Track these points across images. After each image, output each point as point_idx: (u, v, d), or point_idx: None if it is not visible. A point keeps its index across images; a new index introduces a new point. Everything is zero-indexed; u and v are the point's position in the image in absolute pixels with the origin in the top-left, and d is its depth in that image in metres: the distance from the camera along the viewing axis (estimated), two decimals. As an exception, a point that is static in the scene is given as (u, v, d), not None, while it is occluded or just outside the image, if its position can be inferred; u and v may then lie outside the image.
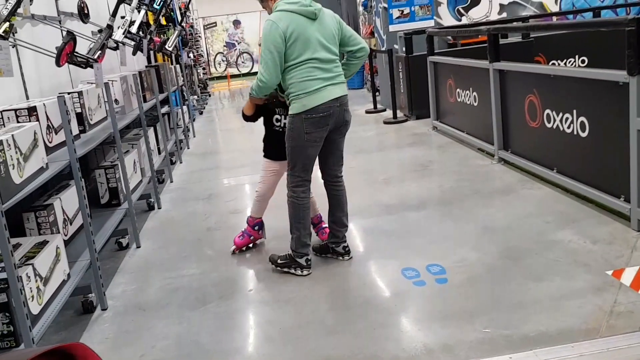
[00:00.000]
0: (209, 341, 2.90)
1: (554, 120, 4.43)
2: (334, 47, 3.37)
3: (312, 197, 3.76)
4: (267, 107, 3.74)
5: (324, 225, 3.93)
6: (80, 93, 4.10)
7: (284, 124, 3.59)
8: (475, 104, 6.03)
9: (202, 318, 3.16)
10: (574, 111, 4.15)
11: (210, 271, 3.78)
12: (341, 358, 2.60)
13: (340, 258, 3.65)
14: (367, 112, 9.79)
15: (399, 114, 8.74)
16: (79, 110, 4.07)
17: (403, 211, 4.49)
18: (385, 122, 8.56)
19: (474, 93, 6.04)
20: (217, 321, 3.10)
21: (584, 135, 4.07)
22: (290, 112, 3.36)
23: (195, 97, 12.37)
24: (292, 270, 3.51)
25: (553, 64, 7.26)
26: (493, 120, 5.43)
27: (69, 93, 4.01)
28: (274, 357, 2.69)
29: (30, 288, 2.52)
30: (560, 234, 3.64)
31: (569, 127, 4.24)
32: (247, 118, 3.78)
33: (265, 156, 3.84)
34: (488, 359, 2.43)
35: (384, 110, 9.61)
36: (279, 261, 3.58)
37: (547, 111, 4.53)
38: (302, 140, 3.33)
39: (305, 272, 3.49)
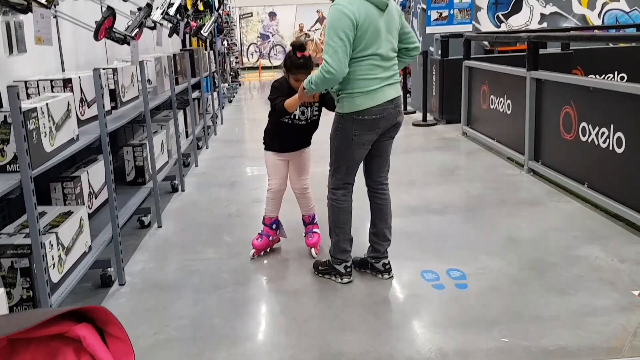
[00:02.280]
0: (222, 325, 2.89)
1: (590, 134, 4.33)
2: (396, 43, 3.08)
3: (308, 192, 3.73)
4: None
5: (314, 230, 3.77)
6: (115, 70, 4.13)
7: (311, 116, 3.49)
8: (509, 112, 5.93)
9: (217, 302, 3.16)
10: (611, 126, 4.05)
11: (227, 257, 3.78)
12: (353, 355, 2.57)
13: (380, 276, 3.31)
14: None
15: (429, 117, 8.66)
16: (112, 86, 4.10)
17: (426, 214, 4.43)
18: (414, 125, 8.48)
19: (508, 101, 5.94)
20: (231, 307, 3.09)
21: (619, 151, 3.96)
22: (338, 110, 3.09)
23: (226, 85, 12.42)
24: (332, 278, 3.29)
25: (591, 78, 7.12)
26: (526, 130, 5.33)
27: (104, 69, 4.04)
28: (286, 347, 2.67)
29: (52, 256, 2.54)
30: (586, 250, 3.55)
31: (604, 142, 4.14)
32: (283, 113, 3.39)
33: (267, 149, 3.66)
34: (504, 368, 2.38)
35: (414, 112, 9.52)
36: (319, 267, 3.37)
37: (583, 124, 4.43)
38: (349, 142, 3.05)
39: (345, 280, 3.25)
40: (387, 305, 3.01)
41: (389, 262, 3.34)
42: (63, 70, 4.09)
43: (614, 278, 3.16)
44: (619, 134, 3.96)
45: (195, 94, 7.32)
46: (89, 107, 3.52)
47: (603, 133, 4.15)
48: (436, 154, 6.63)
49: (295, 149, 3.64)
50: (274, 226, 3.76)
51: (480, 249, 3.67)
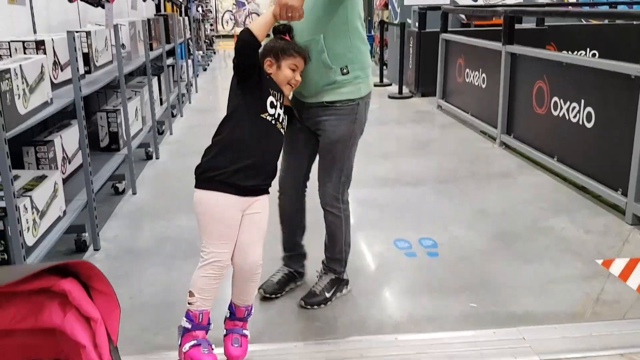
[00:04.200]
0: (198, 290, 2.92)
1: (561, 109, 4.43)
2: None
3: (259, 272, 2.38)
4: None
5: (244, 331, 2.41)
6: (88, 33, 4.04)
7: (282, 115, 2.30)
8: (484, 86, 6.00)
9: (191, 268, 3.14)
10: (582, 101, 4.14)
11: (204, 224, 3.79)
12: (326, 318, 2.63)
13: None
14: (373, 85, 9.72)
15: (405, 89, 8.69)
16: (85, 50, 4.02)
17: (399, 186, 4.49)
18: (389, 97, 8.50)
19: (483, 75, 6.00)
20: (207, 272, 3.11)
21: (589, 125, 4.06)
22: (351, 96, 2.47)
23: (201, 52, 12.23)
24: (339, 293, 2.79)
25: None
26: (499, 104, 5.41)
27: (77, 32, 3.96)
28: (259, 311, 2.71)
29: (27, 219, 2.52)
30: (553, 221, 3.66)
31: (575, 117, 4.24)
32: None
33: (210, 187, 2.21)
34: (472, 331, 2.47)
35: (390, 84, 9.54)
36: (326, 295, 2.71)
37: (555, 99, 4.51)
38: (361, 132, 2.63)
39: (349, 287, 2.85)
40: (361, 273, 3.07)
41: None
42: (35, 32, 3.99)
43: (579, 248, 3.27)
44: (589, 109, 4.06)
45: (170, 61, 7.21)
46: (62, 70, 3.46)
47: (574, 108, 4.24)
48: (410, 126, 6.69)
49: (260, 189, 2.28)
50: (210, 326, 2.33)
51: (452, 220, 3.75)
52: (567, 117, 4.34)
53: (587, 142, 4.09)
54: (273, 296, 2.79)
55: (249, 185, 2.20)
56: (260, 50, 2.24)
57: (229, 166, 2.18)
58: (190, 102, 8.24)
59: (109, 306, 1.00)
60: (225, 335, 2.36)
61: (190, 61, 8.88)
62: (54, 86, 3.31)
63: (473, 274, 3.03)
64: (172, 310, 2.72)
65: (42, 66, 2.82)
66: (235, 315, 2.37)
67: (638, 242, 3.33)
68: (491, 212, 3.87)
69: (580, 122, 4.16)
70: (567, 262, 3.11)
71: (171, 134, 6.32)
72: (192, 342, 2.22)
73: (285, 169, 2.71)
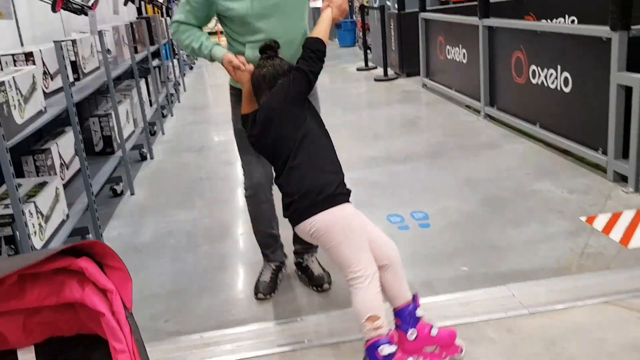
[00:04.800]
0: (202, 278, 3.05)
1: (539, 76, 4.55)
2: None
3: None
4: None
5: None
6: (74, 41, 4.14)
7: None
8: (465, 61, 6.11)
9: (195, 258, 3.32)
10: (558, 67, 4.26)
11: (202, 217, 3.92)
12: (325, 294, 2.76)
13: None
14: (358, 69, 9.83)
15: (390, 71, 8.80)
16: (73, 58, 4.12)
17: (390, 164, 4.62)
18: (376, 80, 8.62)
19: (464, 50, 6.11)
20: (209, 261, 3.25)
21: (567, 90, 4.19)
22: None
23: (186, 52, 12.29)
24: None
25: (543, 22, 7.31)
26: (481, 77, 5.53)
27: (63, 41, 4.05)
28: (258, 304, 2.84)
29: (33, 224, 2.64)
30: (538, 185, 3.80)
31: (552, 83, 4.36)
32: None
33: (346, 200, 2.17)
34: (464, 292, 2.60)
35: (375, 67, 9.64)
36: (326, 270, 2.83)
37: (533, 67, 4.64)
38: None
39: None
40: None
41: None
42: (22, 44, 4.09)
43: (563, 208, 3.41)
44: (566, 74, 4.18)
45: (156, 62, 7.30)
46: (52, 79, 3.56)
47: (551, 74, 4.37)
48: (398, 107, 6.81)
49: None
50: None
51: (441, 192, 3.88)
52: (545, 84, 4.46)
53: (566, 106, 4.22)
54: (269, 296, 2.77)
55: None
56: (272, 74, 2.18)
57: (339, 175, 2.20)
58: (179, 101, 8.34)
59: (122, 279, 1.12)
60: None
61: (175, 61, 8.96)
62: (46, 95, 3.41)
63: (463, 240, 3.16)
64: (180, 298, 2.86)
65: (34, 76, 2.93)
66: (408, 318, 2.14)
67: (619, 197, 3.47)
68: (479, 181, 4.00)
69: (559, 88, 4.28)
70: (553, 222, 3.25)
71: (163, 133, 6.43)
72: None
73: (259, 169, 2.66)
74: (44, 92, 3.35)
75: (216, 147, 5.77)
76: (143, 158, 5.43)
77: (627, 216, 3.20)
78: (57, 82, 3.55)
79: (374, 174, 4.40)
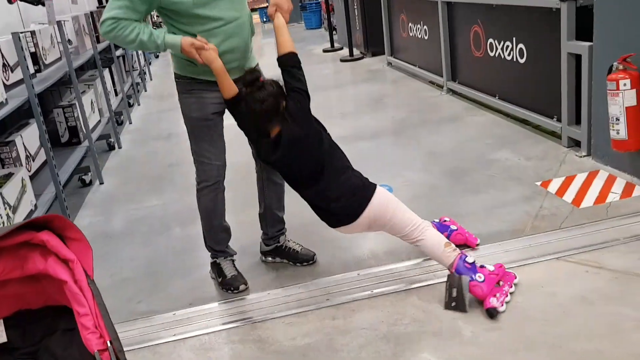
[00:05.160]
0: (174, 260, 3.12)
1: (496, 49, 4.67)
2: None
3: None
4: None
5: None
6: (33, 32, 4.12)
7: None
8: (426, 38, 6.21)
9: (166, 242, 3.38)
10: (514, 39, 4.38)
11: (172, 202, 3.97)
12: (295, 267, 2.86)
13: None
14: (325, 50, 9.87)
15: (355, 51, 8.87)
16: (33, 49, 4.11)
17: (357, 141, 4.71)
18: (342, 60, 8.68)
19: (425, 27, 6.21)
20: (180, 243, 3.31)
21: (522, 61, 4.32)
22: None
23: (151, 40, 12.16)
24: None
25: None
26: (442, 52, 5.63)
27: (21, 32, 4.03)
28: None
29: (0, 215, 2.67)
30: (498, 154, 3.93)
31: (509, 55, 4.49)
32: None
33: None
34: (424, 258, 2.72)
35: (341, 48, 9.70)
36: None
37: (490, 40, 4.75)
38: None
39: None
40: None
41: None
42: (-22, 37, 4.05)
43: (520, 174, 3.55)
44: (521, 45, 4.30)
45: (120, 52, 7.26)
46: (12, 71, 3.55)
47: (507, 46, 4.49)
48: (364, 86, 6.90)
49: None
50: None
51: (405, 165, 3.99)
52: (502, 56, 4.58)
53: (523, 77, 4.35)
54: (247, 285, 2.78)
55: None
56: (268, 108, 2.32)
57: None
58: (146, 90, 8.31)
59: (82, 249, 1.19)
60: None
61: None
62: (7, 87, 3.42)
63: (426, 209, 3.26)
64: (152, 280, 2.93)
65: (-8, 68, 2.94)
66: (467, 269, 2.34)
67: (573, 162, 3.62)
68: (441, 153, 4.12)
69: (515, 59, 4.41)
70: (511, 188, 3.38)
71: (131, 122, 6.43)
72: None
73: (222, 157, 2.68)
74: (4, 84, 3.36)
75: (184, 133, 5.75)
76: (111, 148, 5.44)
77: (579, 179, 3.34)
78: (18, 74, 3.55)
79: (340, 152, 4.48)
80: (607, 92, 3.10)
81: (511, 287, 2.36)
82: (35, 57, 4.11)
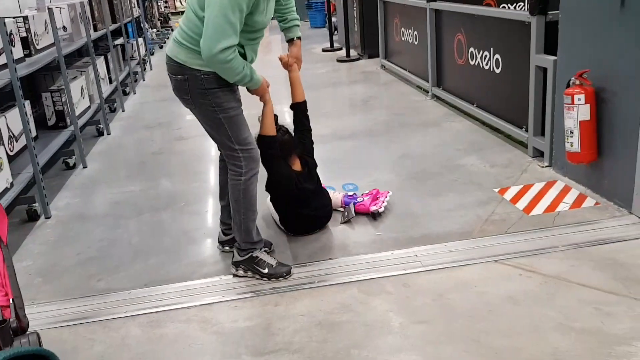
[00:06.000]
0: (138, 243, 3.26)
1: (476, 58, 4.79)
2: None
3: None
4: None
5: None
6: (25, 18, 4.27)
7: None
8: (416, 43, 6.32)
9: (135, 226, 3.52)
10: (491, 49, 4.50)
11: (149, 189, 4.11)
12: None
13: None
14: (324, 50, 9.99)
15: (353, 52, 8.98)
16: (24, 34, 4.25)
17: (334, 141, 4.83)
18: (338, 60, 8.80)
19: (415, 32, 6.32)
20: (148, 228, 3.45)
21: (498, 71, 4.43)
22: None
23: (155, 30, 12.32)
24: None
25: (503, 7, 7.51)
26: (428, 58, 5.75)
27: (14, 17, 4.19)
28: (196, 254, 3.06)
29: (-27, 189, 2.82)
30: (465, 160, 4.05)
31: (487, 64, 4.60)
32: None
33: None
34: (373, 254, 2.85)
35: (341, 49, 9.81)
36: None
37: (471, 49, 4.87)
38: None
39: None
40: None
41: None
42: (-29, 20, 4.20)
43: (482, 180, 3.67)
44: (497, 55, 4.42)
45: (118, 41, 7.41)
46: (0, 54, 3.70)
47: (485, 56, 4.61)
48: (355, 87, 7.02)
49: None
50: None
51: (375, 166, 4.12)
52: (481, 65, 4.70)
53: (498, 86, 4.46)
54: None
55: None
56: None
57: None
58: (144, 80, 8.45)
59: (-1, 216, 1.32)
60: None
61: (141, 39, 9.04)
62: (-7, 70, 3.57)
63: (385, 209, 3.40)
64: (114, 261, 3.07)
65: (-25, 51, 3.08)
66: None
67: (534, 171, 3.74)
68: (412, 156, 4.25)
69: (491, 69, 4.52)
70: (469, 192, 3.50)
71: (123, 110, 6.58)
72: None
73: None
74: (-10, 66, 3.51)
75: (172, 123, 5.93)
76: (100, 133, 5.59)
77: (535, 188, 3.46)
78: (4, 58, 3.69)
79: (316, 150, 4.60)
80: (563, 106, 3.22)
81: (386, 197, 3.33)
82: (26, 41, 4.26)
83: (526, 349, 2.11)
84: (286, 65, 3.02)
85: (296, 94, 3.13)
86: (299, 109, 3.19)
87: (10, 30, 3.90)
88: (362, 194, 3.43)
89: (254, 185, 2.70)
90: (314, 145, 3.29)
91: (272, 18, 2.74)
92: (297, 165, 3.11)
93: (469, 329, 2.24)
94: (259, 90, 2.71)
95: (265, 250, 2.84)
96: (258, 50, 2.76)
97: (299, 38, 2.95)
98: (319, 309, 2.46)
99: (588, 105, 3.12)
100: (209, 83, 2.55)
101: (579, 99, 3.11)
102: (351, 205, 3.30)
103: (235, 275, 2.78)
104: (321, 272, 2.75)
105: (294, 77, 3.08)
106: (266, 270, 2.73)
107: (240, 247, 2.77)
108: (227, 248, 3.06)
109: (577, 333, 2.15)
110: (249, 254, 2.76)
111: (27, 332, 1.18)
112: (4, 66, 3.62)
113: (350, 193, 3.49)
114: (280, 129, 3.05)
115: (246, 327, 2.39)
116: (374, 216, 3.24)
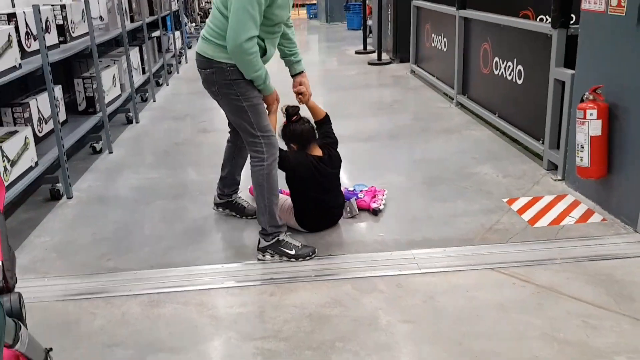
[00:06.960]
0: (151, 227, 3.39)
1: (500, 68, 4.79)
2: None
3: None
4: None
5: None
6: (63, 6, 4.46)
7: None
8: (445, 50, 6.33)
9: (151, 210, 3.65)
10: (515, 59, 4.49)
11: (168, 177, 4.25)
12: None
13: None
14: (357, 52, 10.06)
15: (385, 56, 9.02)
16: (60, 22, 4.45)
17: (352, 142, 4.89)
18: (369, 64, 8.85)
19: (445, 39, 6.34)
20: (162, 214, 3.58)
21: (519, 82, 4.43)
22: None
23: (194, 24, 12.58)
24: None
25: (541, 19, 7.43)
26: (455, 65, 5.76)
27: (52, 5, 4.38)
28: (203, 242, 3.17)
29: (-2, 166, 2.99)
30: (479, 168, 4.07)
31: (510, 75, 4.60)
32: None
33: None
34: (373, 254, 2.91)
35: (373, 51, 9.85)
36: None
37: (496, 59, 4.87)
38: None
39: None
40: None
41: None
42: (13, 5, 4.42)
43: (492, 189, 3.68)
44: (520, 67, 4.42)
45: (155, 33, 7.62)
46: (35, 40, 3.89)
47: (509, 66, 4.60)
48: (382, 90, 7.07)
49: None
50: None
51: (389, 169, 4.17)
52: (504, 75, 4.70)
53: (519, 97, 4.46)
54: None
55: None
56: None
57: None
58: (178, 72, 8.66)
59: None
60: None
61: (179, 32, 9.26)
62: (28, 54, 3.76)
63: (391, 211, 3.45)
64: (126, 242, 3.20)
65: (10, 35, 3.26)
66: None
67: (546, 184, 3.73)
68: (428, 161, 4.28)
69: (514, 80, 4.52)
70: (477, 201, 3.52)
71: (154, 101, 6.77)
72: None
73: None
74: (24, 50, 3.69)
75: (198, 116, 6.08)
76: (129, 121, 5.77)
77: (544, 200, 3.46)
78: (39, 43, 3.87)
79: (335, 149, 4.68)
80: (576, 120, 3.22)
81: (384, 195, 3.51)
82: (62, 28, 4.45)
83: (505, 354, 2.14)
84: (304, 97, 3.17)
85: (317, 114, 3.32)
86: (325, 122, 3.36)
87: (47, 18, 4.09)
88: (360, 190, 3.56)
89: (275, 169, 2.89)
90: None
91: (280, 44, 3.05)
92: (317, 151, 3.19)
93: (453, 331, 2.28)
94: (268, 99, 2.92)
95: (288, 232, 2.99)
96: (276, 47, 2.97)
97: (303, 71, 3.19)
98: (311, 301, 2.53)
99: (600, 121, 3.11)
100: (233, 74, 2.77)
101: (591, 114, 3.11)
102: (353, 201, 3.39)
103: (260, 260, 2.91)
104: (319, 267, 2.82)
105: (311, 104, 3.26)
106: (293, 252, 2.88)
107: (267, 232, 2.90)
108: (220, 210, 3.46)
109: (560, 343, 2.18)
110: (275, 238, 2.90)
111: (10, 293, 1.28)
112: (36, 52, 3.81)
113: (351, 189, 3.59)
114: (301, 119, 3.18)
115: (240, 312, 2.48)
116: (375, 212, 3.37)
